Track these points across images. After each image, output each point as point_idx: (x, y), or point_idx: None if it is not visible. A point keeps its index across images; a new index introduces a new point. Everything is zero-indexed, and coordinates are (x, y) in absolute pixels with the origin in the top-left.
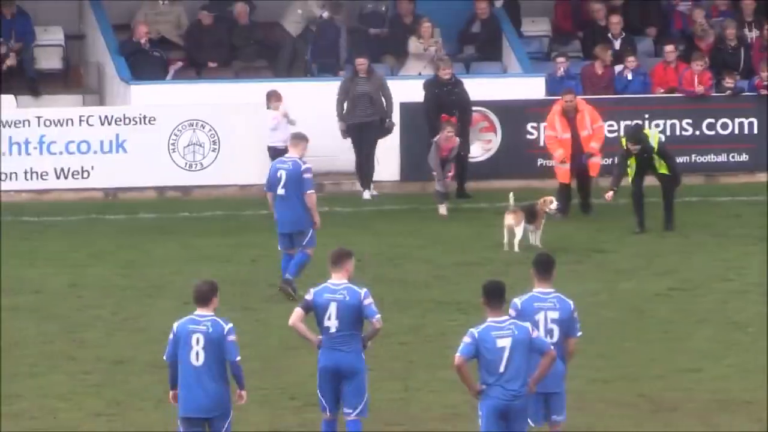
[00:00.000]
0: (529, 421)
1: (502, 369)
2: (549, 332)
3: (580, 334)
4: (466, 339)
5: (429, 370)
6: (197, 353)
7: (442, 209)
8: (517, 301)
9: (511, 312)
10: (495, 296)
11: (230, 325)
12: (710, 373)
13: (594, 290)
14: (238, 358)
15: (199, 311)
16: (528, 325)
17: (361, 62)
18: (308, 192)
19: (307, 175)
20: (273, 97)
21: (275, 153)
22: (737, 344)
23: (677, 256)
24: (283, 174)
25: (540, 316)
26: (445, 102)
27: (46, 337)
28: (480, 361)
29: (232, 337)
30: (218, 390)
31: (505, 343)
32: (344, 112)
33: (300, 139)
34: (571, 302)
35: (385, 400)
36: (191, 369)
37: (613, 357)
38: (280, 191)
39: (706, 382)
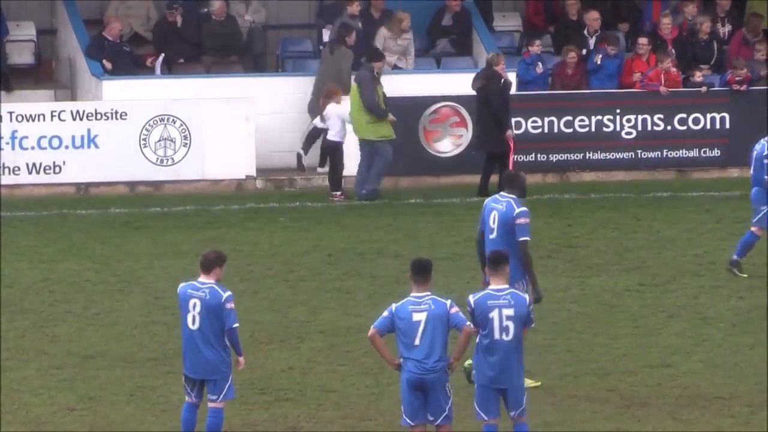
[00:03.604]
0: (480, 412)
1: (416, 342)
2: (504, 330)
3: (533, 325)
4: (384, 313)
5: None
6: (194, 318)
7: None
8: (471, 298)
9: (467, 309)
10: (419, 272)
11: (228, 293)
12: (681, 368)
13: (564, 285)
14: (236, 325)
15: (202, 278)
16: (448, 300)
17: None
18: None
19: None
20: (333, 93)
21: (332, 148)
22: (708, 340)
23: (648, 251)
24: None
25: (494, 314)
26: (498, 97)
27: (17, 331)
28: (397, 334)
29: (230, 305)
30: (213, 355)
31: (420, 317)
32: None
33: None
34: (526, 296)
35: (357, 395)
36: (189, 332)
37: (584, 352)
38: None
39: (676, 377)
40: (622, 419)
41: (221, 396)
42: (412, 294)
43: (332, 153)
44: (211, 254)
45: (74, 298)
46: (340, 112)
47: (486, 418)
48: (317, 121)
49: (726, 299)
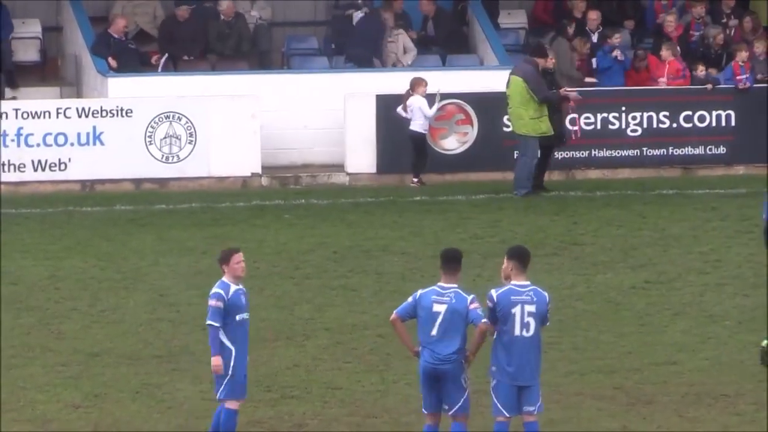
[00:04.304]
0: (500, 408)
1: (434, 332)
2: (525, 326)
3: (548, 323)
4: (409, 299)
5: (406, 363)
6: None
7: None
8: (494, 293)
9: (488, 303)
10: (447, 262)
11: (213, 290)
12: (686, 366)
13: (570, 283)
14: (207, 322)
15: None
16: (470, 296)
17: None
18: None
19: None
20: (417, 85)
21: (414, 138)
22: (713, 337)
23: (653, 249)
24: None
25: (516, 309)
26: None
27: (23, 329)
28: (417, 321)
29: (209, 301)
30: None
31: (440, 308)
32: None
33: None
34: (546, 294)
35: (362, 392)
36: None
37: (589, 349)
38: None
39: (682, 375)
40: (627, 417)
41: (217, 393)
42: (438, 284)
43: (417, 143)
44: (220, 252)
45: (79, 296)
46: (422, 104)
47: (507, 416)
48: (400, 110)
49: (731, 297)
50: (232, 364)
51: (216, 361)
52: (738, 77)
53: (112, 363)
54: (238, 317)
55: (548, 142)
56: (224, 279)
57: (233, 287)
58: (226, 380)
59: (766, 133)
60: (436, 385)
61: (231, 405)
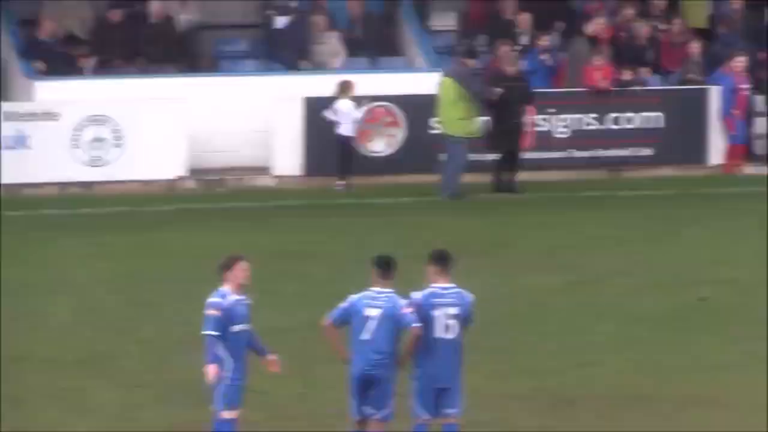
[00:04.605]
0: (421, 409)
1: (366, 337)
2: (447, 328)
3: (473, 325)
4: (342, 304)
5: (328, 366)
6: None
7: None
8: (415, 295)
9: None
10: (381, 267)
11: (209, 299)
12: (609, 367)
13: (494, 284)
14: (203, 332)
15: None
16: (404, 301)
17: None
18: None
19: None
20: (345, 88)
21: (341, 141)
22: (636, 339)
23: (578, 250)
24: None
25: (438, 312)
26: (509, 96)
27: None
28: (350, 327)
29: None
30: None
31: (373, 313)
32: None
33: None
34: (470, 296)
35: (284, 396)
36: None
37: (512, 351)
38: None
39: (604, 376)
40: (549, 418)
41: (213, 404)
42: (371, 288)
43: (344, 146)
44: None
45: (3, 301)
46: (350, 109)
47: (427, 417)
48: (327, 113)
49: (654, 298)
50: (229, 375)
51: (209, 370)
52: (740, 86)
53: (33, 368)
54: (235, 328)
55: (510, 147)
56: (223, 287)
57: (232, 296)
58: (220, 390)
59: (693, 135)
60: (367, 391)
61: (226, 414)
